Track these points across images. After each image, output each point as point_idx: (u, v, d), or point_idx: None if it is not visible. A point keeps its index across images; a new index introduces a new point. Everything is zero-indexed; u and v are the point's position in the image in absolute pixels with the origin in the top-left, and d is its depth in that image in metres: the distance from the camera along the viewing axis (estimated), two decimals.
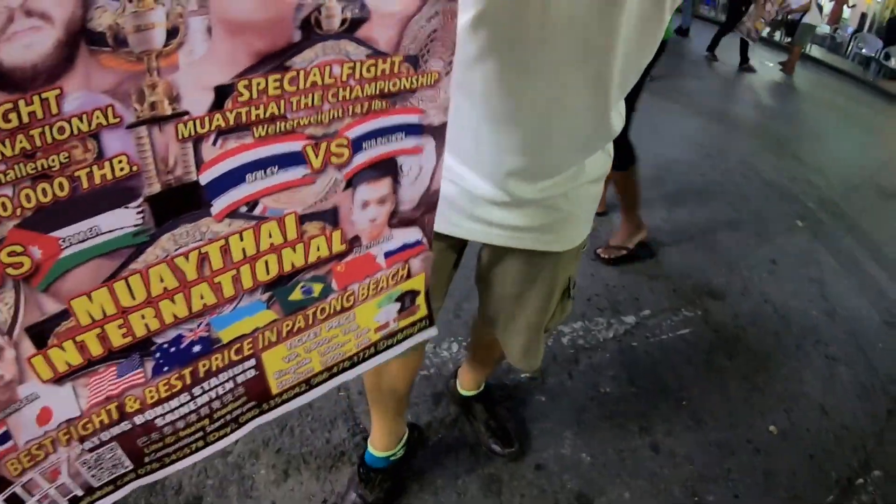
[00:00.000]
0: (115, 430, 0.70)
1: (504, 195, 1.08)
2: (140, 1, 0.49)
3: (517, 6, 0.85)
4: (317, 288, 0.77)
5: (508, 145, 1.01)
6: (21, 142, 0.48)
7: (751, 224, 4.03)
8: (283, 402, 0.85)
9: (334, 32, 0.60)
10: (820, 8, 10.47)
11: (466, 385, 2.07)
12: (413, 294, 0.91)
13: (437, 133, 0.77)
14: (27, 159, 0.49)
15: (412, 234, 0.84)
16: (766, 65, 10.06)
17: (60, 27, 0.46)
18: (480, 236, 1.16)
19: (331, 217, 0.72)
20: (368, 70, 0.65)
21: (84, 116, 0.50)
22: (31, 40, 0.45)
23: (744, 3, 9.10)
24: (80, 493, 0.72)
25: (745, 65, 9.33)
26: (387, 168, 0.74)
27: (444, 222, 1.09)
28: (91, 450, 0.69)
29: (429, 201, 0.83)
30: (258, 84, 0.58)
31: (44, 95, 0.48)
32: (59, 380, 0.62)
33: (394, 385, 1.53)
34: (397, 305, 0.90)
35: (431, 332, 0.97)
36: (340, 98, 0.65)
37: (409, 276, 0.88)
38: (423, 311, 0.94)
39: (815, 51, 12.19)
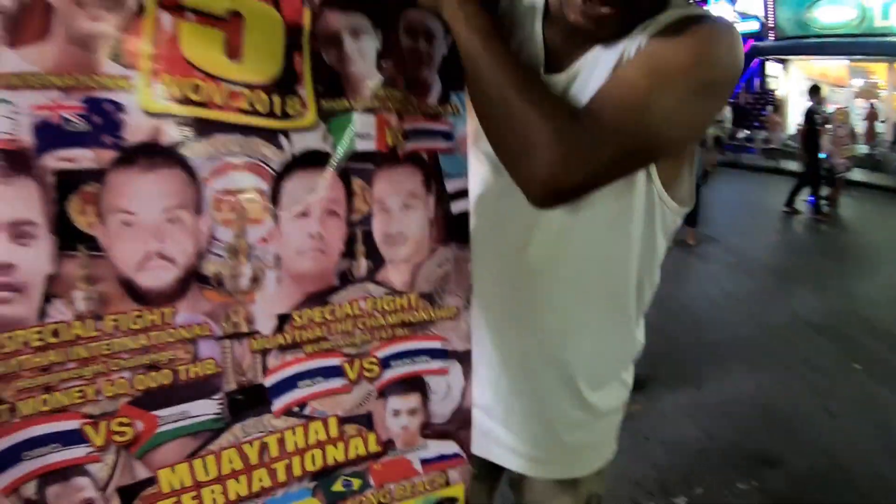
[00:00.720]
0: None
1: (507, 420, 1.11)
2: (236, 259, 0.76)
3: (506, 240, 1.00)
4: (356, 482, 0.92)
5: (508, 375, 1.07)
6: (142, 340, 0.73)
7: (803, 376, 3.76)
8: None
9: (361, 277, 0.86)
10: (854, 134, 10.22)
11: None
12: (451, 501, 1.01)
13: (463, 357, 0.96)
14: (144, 353, 0.74)
15: (448, 446, 0.98)
16: (809, 201, 9.73)
17: (181, 269, 0.74)
18: (495, 457, 1.16)
19: (366, 421, 0.90)
20: (388, 304, 0.89)
21: (188, 328, 0.75)
22: (160, 274, 0.73)
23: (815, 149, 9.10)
24: None
25: (789, 208, 9.16)
26: (415, 385, 0.93)
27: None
28: None
29: (462, 418, 0.98)
30: (308, 314, 0.83)
31: (163, 310, 0.73)
32: None
33: None
34: None
35: None
36: (368, 326, 0.88)
37: (447, 483, 1.00)
38: None
39: (856, 174, 11.60)
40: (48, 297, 0.68)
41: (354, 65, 0.82)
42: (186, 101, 0.72)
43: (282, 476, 0.86)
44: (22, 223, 0.66)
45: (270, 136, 0.77)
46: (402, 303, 0.90)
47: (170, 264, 0.73)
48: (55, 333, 0.69)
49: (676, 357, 4.01)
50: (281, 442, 0.84)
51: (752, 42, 17.63)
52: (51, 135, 0.66)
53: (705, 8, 1.00)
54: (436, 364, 0.94)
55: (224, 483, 0.81)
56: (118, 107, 0.69)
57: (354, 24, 0.82)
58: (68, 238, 0.68)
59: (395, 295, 0.89)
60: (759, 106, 17.22)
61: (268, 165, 0.77)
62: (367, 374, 0.89)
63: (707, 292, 5.53)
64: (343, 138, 0.81)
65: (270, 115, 0.76)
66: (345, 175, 0.82)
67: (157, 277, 0.73)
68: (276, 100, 0.77)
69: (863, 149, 12.41)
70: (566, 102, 0.87)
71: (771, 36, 17.89)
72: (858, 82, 16.27)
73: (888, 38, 14.72)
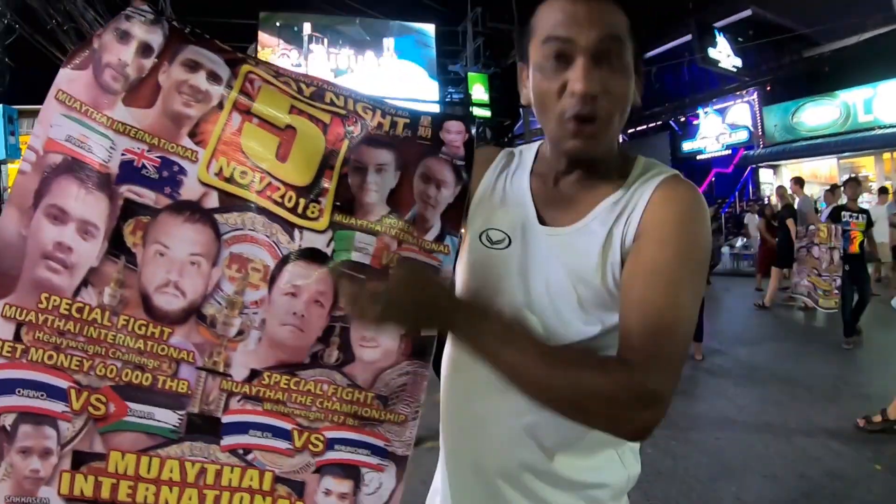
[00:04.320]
0: None
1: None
2: (231, 310, 0.92)
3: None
4: None
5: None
6: (139, 344, 0.90)
7: (826, 488, 3.56)
8: None
9: (330, 365, 0.96)
10: None
11: None
12: None
13: (400, 462, 1.00)
14: (138, 354, 0.90)
15: None
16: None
17: (187, 302, 0.91)
18: None
19: (299, 489, 0.97)
20: (347, 395, 0.97)
21: (177, 350, 0.91)
22: (171, 300, 0.90)
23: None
24: None
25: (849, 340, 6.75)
26: (351, 472, 0.99)
27: None
28: None
29: None
30: (276, 377, 0.94)
31: (164, 328, 0.90)
32: (69, 500, 0.90)
33: None
34: None
35: None
36: (324, 407, 0.96)
37: None
38: None
39: None
40: (85, 283, 0.89)
41: (370, 194, 0.96)
42: (232, 181, 0.91)
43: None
44: (89, 223, 0.88)
45: (288, 226, 0.92)
46: (359, 397, 0.97)
47: (180, 295, 0.90)
48: (79, 310, 0.88)
49: (685, 475, 3.85)
50: (219, 473, 0.95)
51: (742, 151, 19.02)
52: (130, 172, 0.89)
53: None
54: (374, 460, 0.99)
55: (159, 486, 0.93)
56: (182, 170, 0.90)
57: (380, 160, 0.96)
58: (116, 247, 0.89)
59: (355, 388, 0.97)
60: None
61: (278, 248, 0.92)
62: (311, 447, 0.97)
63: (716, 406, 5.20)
64: (343, 248, 0.94)
65: (293, 211, 0.92)
66: (337, 276, 0.94)
67: (168, 301, 0.90)
68: (302, 201, 0.93)
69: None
70: (610, 358, 0.89)
71: (761, 144, 18.70)
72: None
73: (872, 132, 15.55)
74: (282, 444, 0.96)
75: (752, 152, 18.76)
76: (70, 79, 0.90)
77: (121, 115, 0.90)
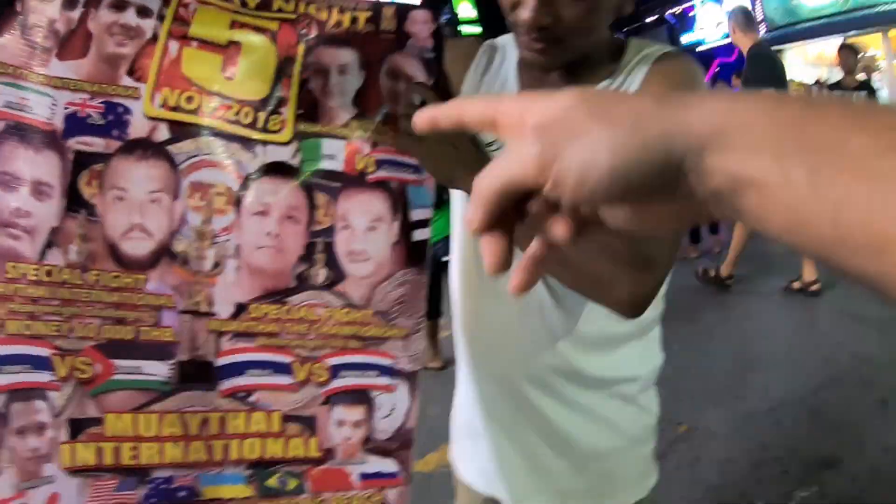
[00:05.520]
0: None
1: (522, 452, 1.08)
2: (202, 242, 0.88)
3: None
4: (291, 482, 0.92)
5: None
6: (115, 297, 0.86)
7: (853, 372, 3.52)
8: None
9: (319, 285, 0.91)
10: None
11: None
12: None
13: (410, 378, 0.94)
14: (115, 308, 0.86)
15: (388, 464, 0.94)
16: None
17: (156, 242, 0.87)
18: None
19: (309, 424, 0.92)
20: (344, 316, 0.91)
21: (155, 296, 0.87)
22: (138, 244, 0.86)
23: None
24: None
25: None
26: (361, 397, 0.93)
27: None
28: None
29: (403, 438, 0.95)
30: (264, 308, 0.90)
31: (137, 276, 0.86)
32: (73, 471, 0.85)
33: None
34: None
35: None
36: (322, 332, 0.91)
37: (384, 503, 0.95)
38: None
39: None
40: (49, 244, 0.84)
41: (334, 98, 0.92)
42: (179, 109, 0.87)
43: (218, 455, 0.89)
44: (43, 183, 0.84)
45: (248, 144, 0.89)
46: (357, 316, 0.92)
47: (147, 237, 0.86)
48: (48, 273, 0.84)
49: (716, 371, 3.86)
50: (223, 421, 0.89)
51: None
52: (76, 124, 0.85)
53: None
54: (383, 380, 0.93)
55: (162, 443, 0.87)
56: (126, 110, 0.87)
57: (342, 61, 0.92)
58: (74, 202, 0.85)
59: (351, 308, 0.92)
60: None
61: (240, 167, 0.89)
62: (315, 377, 0.92)
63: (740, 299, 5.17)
64: (311, 157, 0.90)
65: (252, 126, 0.89)
66: (308, 188, 0.90)
67: (135, 246, 0.86)
68: (261, 115, 0.89)
69: None
70: None
71: (762, 29, 17.01)
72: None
73: (876, 9, 13.58)
74: (284, 380, 0.91)
75: None
76: None
77: (57, 71, 0.87)
